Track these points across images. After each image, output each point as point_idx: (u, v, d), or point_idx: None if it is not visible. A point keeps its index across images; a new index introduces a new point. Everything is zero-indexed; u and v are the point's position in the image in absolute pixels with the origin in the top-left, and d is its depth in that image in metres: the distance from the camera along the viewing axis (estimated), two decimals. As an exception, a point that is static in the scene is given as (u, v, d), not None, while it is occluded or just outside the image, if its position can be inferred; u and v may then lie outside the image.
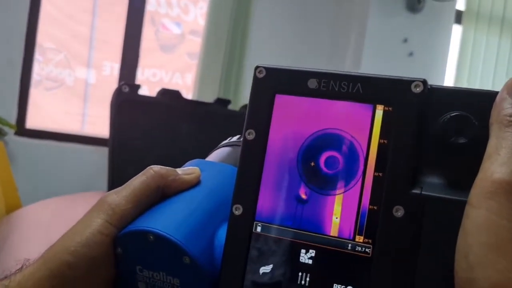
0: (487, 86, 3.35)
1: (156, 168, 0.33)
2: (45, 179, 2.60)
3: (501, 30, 3.34)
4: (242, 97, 2.94)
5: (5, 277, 0.30)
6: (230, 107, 1.64)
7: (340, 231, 0.28)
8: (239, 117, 1.50)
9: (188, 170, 0.34)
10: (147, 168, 0.33)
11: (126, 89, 1.36)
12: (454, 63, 3.32)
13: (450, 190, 0.26)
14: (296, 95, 0.29)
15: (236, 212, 0.29)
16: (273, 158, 0.29)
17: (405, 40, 3.07)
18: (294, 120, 0.29)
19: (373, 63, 3.04)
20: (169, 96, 1.47)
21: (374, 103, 0.28)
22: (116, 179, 1.36)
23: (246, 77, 2.96)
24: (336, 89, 0.28)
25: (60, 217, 1.51)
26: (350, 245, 0.27)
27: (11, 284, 0.29)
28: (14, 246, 1.24)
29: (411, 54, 3.09)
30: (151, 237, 0.29)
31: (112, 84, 2.84)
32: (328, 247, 0.28)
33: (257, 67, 0.30)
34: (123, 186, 0.32)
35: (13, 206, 1.65)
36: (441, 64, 3.24)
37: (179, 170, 0.34)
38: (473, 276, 0.22)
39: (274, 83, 0.30)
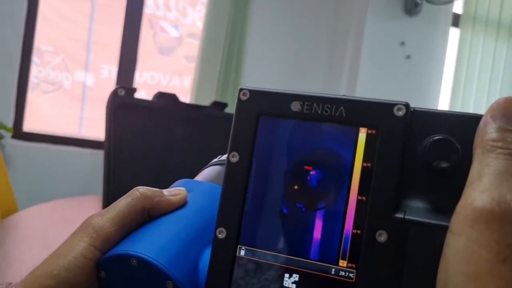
0: (484, 88, 3.35)
1: (142, 189, 0.33)
2: (42, 182, 2.59)
3: (497, 33, 3.34)
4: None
5: None
6: (227, 110, 1.63)
7: (322, 254, 0.28)
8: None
9: (174, 191, 0.34)
10: (133, 189, 0.33)
11: (122, 93, 1.36)
12: (451, 66, 3.33)
13: (433, 215, 0.26)
14: (280, 118, 0.29)
15: (220, 235, 0.29)
16: (257, 181, 0.29)
17: (403, 43, 3.07)
18: (278, 143, 0.29)
19: (371, 66, 3.04)
20: (166, 99, 1.46)
21: (357, 126, 0.28)
22: (112, 183, 1.36)
23: (244, 80, 2.96)
24: (319, 112, 0.28)
25: (57, 222, 1.50)
26: (333, 269, 0.27)
27: None
28: (10, 251, 1.24)
29: (408, 57, 3.09)
30: (134, 261, 0.29)
31: (110, 87, 2.84)
32: (312, 272, 0.28)
33: (241, 90, 0.30)
34: (108, 207, 0.32)
35: (9, 210, 1.64)
36: (439, 67, 3.24)
37: (165, 191, 0.34)
38: None
39: (257, 105, 0.30)
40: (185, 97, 3.05)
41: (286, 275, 0.28)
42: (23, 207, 1.70)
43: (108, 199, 1.34)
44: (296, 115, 0.29)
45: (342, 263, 0.27)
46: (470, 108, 3.33)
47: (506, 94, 3.41)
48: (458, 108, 3.31)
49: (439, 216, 0.26)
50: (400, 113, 0.27)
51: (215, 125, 1.54)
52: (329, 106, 0.28)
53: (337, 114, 0.28)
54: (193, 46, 3.06)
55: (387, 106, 0.27)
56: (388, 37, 3.07)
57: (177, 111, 1.49)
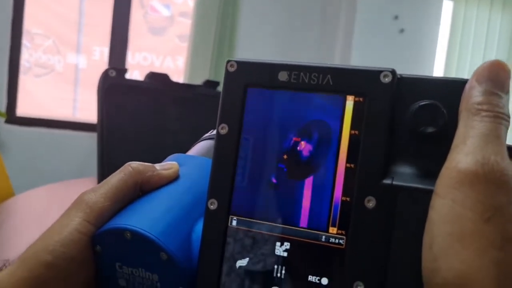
0: (478, 60, 3.35)
1: (134, 164, 0.33)
2: (37, 166, 2.59)
3: (491, 5, 3.32)
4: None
5: None
6: (219, 88, 1.63)
7: (312, 222, 0.28)
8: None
9: (166, 165, 0.34)
10: (125, 164, 0.33)
11: (113, 74, 1.35)
12: (445, 39, 3.31)
13: (421, 180, 0.26)
14: (267, 88, 0.29)
15: (211, 206, 0.29)
16: (247, 152, 0.29)
17: (396, 17, 3.05)
18: (266, 113, 0.29)
19: (364, 41, 3.03)
20: (157, 79, 1.45)
21: (344, 94, 0.28)
22: (106, 165, 1.36)
23: (238, 57, 2.94)
24: (307, 81, 0.28)
25: (53, 205, 1.51)
26: (324, 237, 0.27)
27: None
28: (7, 236, 1.24)
29: (402, 30, 3.07)
30: (128, 234, 0.30)
31: (102, 69, 2.82)
32: (302, 239, 0.28)
33: (228, 61, 0.30)
34: (101, 183, 0.32)
35: (5, 195, 1.65)
36: (432, 40, 3.23)
37: (157, 166, 0.34)
38: (437, 266, 0.22)
39: (245, 76, 0.30)
40: (179, 78, 3.03)
41: (278, 243, 0.28)
42: (19, 191, 1.70)
43: (102, 180, 1.34)
44: (284, 84, 0.29)
45: (332, 230, 0.27)
46: (465, 81, 3.32)
47: (500, 66, 3.41)
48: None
49: (426, 181, 0.26)
50: (386, 79, 0.27)
51: (208, 104, 1.53)
52: (316, 75, 0.28)
53: (324, 82, 0.28)
54: (185, 25, 3.03)
55: (374, 73, 0.27)
56: (381, 10, 3.05)
57: (169, 91, 1.49)
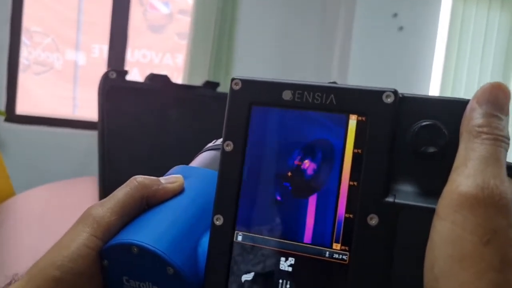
0: (477, 59, 3.35)
1: (139, 178, 0.34)
2: (37, 165, 2.59)
3: (490, 2, 3.32)
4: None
5: None
6: (219, 89, 1.63)
7: (316, 238, 0.29)
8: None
9: (171, 179, 0.35)
10: (131, 178, 0.34)
11: (113, 75, 1.35)
12: (444, 37, 3.31)
13: (422, 198, 0.27)
14: (272, 107, 0.30)
15: (217, 222, 0.30)
16: (251, 169, 0.30)
17: (395, 15, 3.05)
18: (271, 131, 0.30)
19: (363, 39, 3.03)
20: (158, 81, 1.46)
21: (347, 113, 0.28)
22: (107, 165, 1.37)
23: (237, 55, 2.95)
24: (310, 100, 0.29)
25: (54, 205, 1.51)
26: (327, 252, 0.28)
27: None
28: (8, 236, 1.25)
29: (401, 28, 3.07)
30: (135, 249, 0.30)
31: (102, 66, 2.82)
32: (307, 255, 0.29)
33: (233, 79, 0.31)
34: (107, 197, 0.33)
35: (6, 195, 1.65)
36: (431, 38, 3.23)
37: (162, 179, 0.34)
38: (438, 287, 0.22)
39: (250, 95, 0.30)
40: (178, 75, 3.03)
41: (282, 258, 0.29)
42: (20, 190, 1.70)
43: (104, 181, 1.35)
44: (288, 103, 0.30)
45: (336, 246, 0.28)
46: (463, 79, 3.33)
47: (499, 65, 3.41)
48: (451, 80, 3.31)
49: (428, 199, 0.26)
50: (389, 100, 0.28)
51: (208, 105, 1.54)
52: (320, 95, 0.29)
53: (327, 102, 0.29)
54: (185, 23, 3.03)
55: (376, 94, 0.28)
56: (380, 8, 3.05)
57: (170, 92, 1.49)
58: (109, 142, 1.34)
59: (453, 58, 3.30)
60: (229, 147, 0.30)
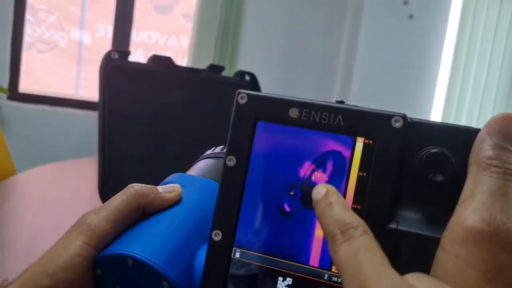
0: (487, 49, 3.31)
1: (136, 186, 0.33)
2: (39, 144, 2.59)
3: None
4: (239, 61, 2.90)
5: None
6: (224, 73, 1.61)
7: (316, 259, 0.28)
8: (233, 84, 1.48)
9: (169, 188, 0.34)
10: (128, 186, 0.33)
11: (115, 56, 1.33)
12: (455, 26, 3.27)
13: (426, 226, 0.26)
14: (278, 123, 0.29)
15: (215, 238, 0.30)
16: (253, 185, 0.30)
17: (406, 3, 3.00)
18: (275, 148, 0.30)
19: (373, 26, 2.99)
20: (161, 62, 1.43)
21: (354, 135, 0.28)
22: (107, 147, 1.35)
23: (243, 39, 2.92)
24: (317, 120, 0.29)
25: (55, 185, 1.51)
26: (326, 275, 0.28)
27: None
28: (9, 214, 1.24)
29: (411, 16, 3.03)
30: (130, 261, 0.30)
31: (107, 46, 2.80)
32: (305, 276, 0.28)
33: (239, 93, 0.30)
34: (103, 205, 0.32)
35: (7, 173, 1.65)
36: (442, 27, 3.19)
37: (160, 188, 0.34)
38: None
39: (255, 110, 0.30)
40: (183, 58, 3.00)
41: (280, 278, 0.29)
42: (20, 168, 1.70)
43: (103, 163, 1.33)
44: (294, 121, 0.29)
45: (335, 269, 0.27)
46: (473, 68, 3.29)
47: (509, 58, 3.37)
48: (461, 70, 3.28)
49: (432, 227, 0.26)
50: (397, 124, 0.27)
51: (212, 88, 1.52)
52: (327, 115, 0.28)
53: (335, 122, 0.28)
54: (191, 4, 3.00)
55: (385, 117, 0.27)
56: (391, -4, 3.00)
57: (173, 74, 1.47)
58: (110, 123, 1.33)
59: (464, 47, 3.26)
60: (231, 162, 0.30)
